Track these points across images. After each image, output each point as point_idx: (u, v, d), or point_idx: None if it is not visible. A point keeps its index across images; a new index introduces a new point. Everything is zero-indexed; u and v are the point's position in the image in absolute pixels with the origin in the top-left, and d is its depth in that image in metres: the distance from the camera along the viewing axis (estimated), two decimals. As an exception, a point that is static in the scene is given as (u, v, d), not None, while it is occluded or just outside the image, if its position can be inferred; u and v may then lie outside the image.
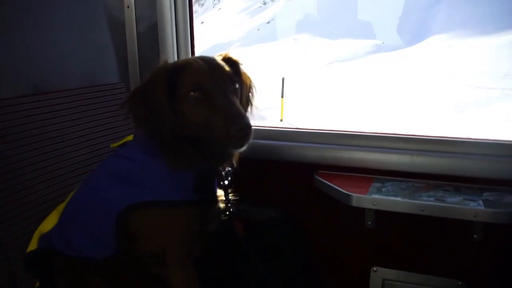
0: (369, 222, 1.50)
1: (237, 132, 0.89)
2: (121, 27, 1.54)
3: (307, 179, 1.56)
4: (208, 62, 0.99)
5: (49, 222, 1.06)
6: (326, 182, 1.48)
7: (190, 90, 0.93)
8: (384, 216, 1.44)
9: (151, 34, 1.55)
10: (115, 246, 0.99)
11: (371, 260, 1.57)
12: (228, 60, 1.05)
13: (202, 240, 1.10)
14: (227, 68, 0.99)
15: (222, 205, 1.11)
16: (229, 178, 1.11)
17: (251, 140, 0.93)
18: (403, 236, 1.55)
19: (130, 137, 1.07)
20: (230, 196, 1.13)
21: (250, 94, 1.10)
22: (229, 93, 0.96)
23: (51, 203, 1.12)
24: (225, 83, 0.97)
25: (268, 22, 28.72)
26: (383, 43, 23.61)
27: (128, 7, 1.53)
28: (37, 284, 1.04)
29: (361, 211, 1.47)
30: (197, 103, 0.93)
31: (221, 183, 1.10)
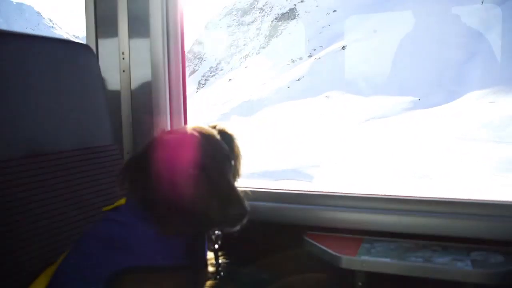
0: (360, 283, 1.50)
1: (236, 216, 0.97)
2: (116, 90, 1.72)
3: (296, 240, 1.60)
4: (209, 140, 1.04)
5: (38, 285, 1.08)
6: (316, 243, 1.53)
7: (191, 168, 0.98)
8: (375, 277, 1.46)
9: (146, 98, 1.73)
10: None
11: None
12: (223, 133, 1.11)
13: None
14: (226, 148, 1.06)
15: (212, 269, 1.14)
16: (219, 242, 1.14)
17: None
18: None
19: (122, 201, 1.10)
20: (221, 260, 1.16)
21: (239, 166, 1.18)
22: (228, 173, 1.03)
23: (41, 265, 1.15)
24: (225, 164, 1.03)
25: (298, 80, 29.73)
26: (419, 100, 23.61)
27: (123, 71, 1.73)
28: None
29: (351, 272, 1.48)
30: (196, 182, 0.98)
31: (212, 247, 1.14)
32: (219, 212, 0.97)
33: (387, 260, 1.39)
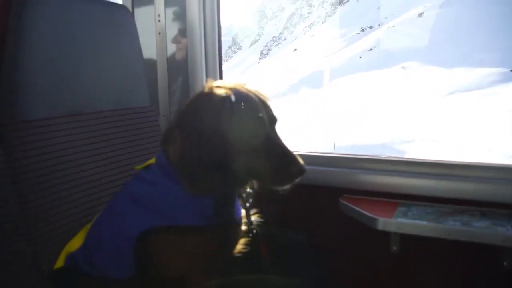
0: (395, 247, 1.54)
1: (297, 174, 1.00)
2: (152, 53, 1.85)
3: (332, 203, 1.66)
4: (261, 99, 1.07)
5: (76, 242, 1.16)
6: (352, 206, 1.57)
7: (246, 126, 0.99)
8: (410, 241, 1.49)
9: (181, 60, 1.85)
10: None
11: (396, 286, 1.61)
12: (258, 93, 1.12)
13: (224, 264, 1.16)
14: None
15: (244, 227, 1.17)
16: (250, 200, 1.18)
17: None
18: (429, 262, 1.56)
19: (153, 160, 1.14)
20: (255, 218, 1.21)
21: None
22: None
23: (82, 221, 1.25)
24: (275, 123, 1.08)
25: (371, 49, 28.60)
26: (511, 71, 21.67)
27: (159, 33, 1.85)
28: None
29: (386, 236, 1.52)
30: (254, 140, 1.00)
31: (243, 205, 1.17)
32: (278, 171, 1.00)
33: (424, 222, 1.41)
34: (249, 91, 1.08)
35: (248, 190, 1.17)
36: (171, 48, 1.89)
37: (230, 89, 1.04)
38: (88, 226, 1.18)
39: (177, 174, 1.02)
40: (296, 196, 1.73)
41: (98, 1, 1.42)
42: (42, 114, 1.20)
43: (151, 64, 1.88)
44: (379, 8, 39.00)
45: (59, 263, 1.15)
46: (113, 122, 1.45)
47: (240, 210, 1.18)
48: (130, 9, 1.86)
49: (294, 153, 1.02)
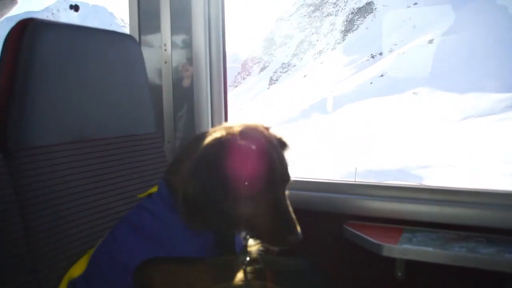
0: (399, 274, 1.53)
1: (291, 244, 1.02)
2: (158, 80, 1.92)
3: (336, 229, 1.66)
4: (277, 151, 1.05)
5: (78, 268, 1.17)
6: (356, 232, 1.58)
7: (259, 183, 0.98)
8: (415, 267, 1.49)
9: (187, 89, 1.91)
10: None
11: None
12: (279, 141, 1.12)
13: None
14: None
15: (245, 258, 1.16)
16: (248, 238, 1.16)
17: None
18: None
19: (155, 189, 1.15)
20: (256, 247, 1.20)
21: None
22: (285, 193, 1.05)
23: (85, 246, 1.26)
24: (287, 182, 1.06)
25: (382, 76, 28.90)
26: (525, 97, 21.59)
27: (165, 62, 1.92)
28: None
29: (391, 262, 1.52)
30: (256, 197, 0.99)
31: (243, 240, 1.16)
32: (275, 233, 1.02)
33: (429, 249, 1.41)
34: (271, 136, 1.08)
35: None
36: (177, 76, 1.95)
37: (252, 136, 1.03)
38: (91, 252, 1.19)
39: (179, 207, 1.03)
40: (299, 223, 1.76)
41: (106, 31, 1.48)
42: (49, 140, 1.24)
43: (157, 92, 1.94)
44: (388, 35, 39.66)
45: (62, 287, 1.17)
46: (118, 149, 1.48)
47: (240, 241, 1.18)
48: (137, 38, 1.94)
49: (294, 219, 1.04)
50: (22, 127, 1.19)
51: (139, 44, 1.65)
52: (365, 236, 1.53)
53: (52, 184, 1.23)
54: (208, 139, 1.04)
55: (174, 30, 1.94)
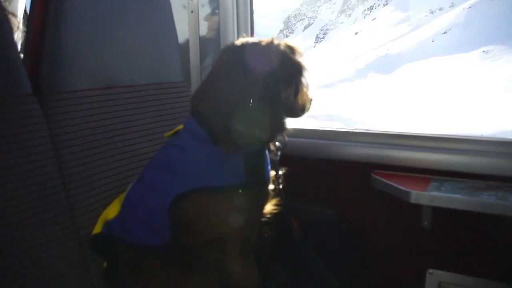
0: (426, 223, 1.60)
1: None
2: (184, 30, 2.00)
3: (362, 178, 1.74)
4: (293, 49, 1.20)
5: (112, 210, 1.25)
6: (384, 180, 1.64)
7: (299, 75, 1.18)
8: (442, 216, 1.55)
9: (213, 40, 1.99)
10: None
11: (427, 262, 1.65)
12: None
13: (258, 226, 1.24)
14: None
15: (273, 187, 1.27)
16: (279, 153, 1.32)
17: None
18: (461, 237, 1.61)
19: (181, 126, 1.22)
20: (281, 172, 1.32)
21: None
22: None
23: (117, 190, 1.36)
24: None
25: (445, 33, 27.22)
26: None
27: (192, 11, 2.01)
28: (105, 264, 1.27)
29: (417, 211, 1.59)
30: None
31: (273, 158, 1.28)
32: (303, 106, 1.24)
33: (458, 196, 1.45)
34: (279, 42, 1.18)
35: (277, 144, 1.30)
36: (203, 26, 2.03)
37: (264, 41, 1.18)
38: (123, 195, 1.27)
39: (208, 134, 1.11)
40: (325, 172, 1.84)
41: None
42: (80, 85, 1.36)
43: (183, 42, 2.03)
44: (449, -13, 37.03)
45: (97, 229, 1.26)
46: (146, 96, 1.58)
47: (269, 170, 1.25)
48: None
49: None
50: (55, 72, 1.30)
51: None
52: (393, 184, 1.58)
53: (84, 128, 1.35)
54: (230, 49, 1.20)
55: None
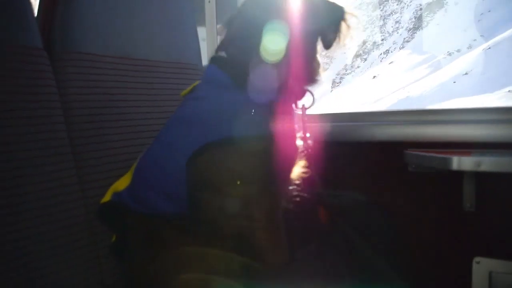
0: (468, 205, 1.45)
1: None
2: (203, 19, 2.01)
3: (395, 160, 1.62)
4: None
5: (123, 182, 1.17)
6: (419, 153, 1.51)
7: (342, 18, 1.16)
8: (485, 197, 1.42)
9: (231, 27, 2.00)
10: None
11: (472, 250, 1.48)
12: None
13: (287, 189, 1.15)
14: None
15: (302, 143, 1.20)
16: (305, 116, 1.22)
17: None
18: (510, 220, 1.44)
19: (197, 82, 1.16)
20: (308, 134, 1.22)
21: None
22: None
23: (127, 163, 1.33)
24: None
25: (466, 74, 27.56)
26: None
27: (209, 1, 2.03)
28: (114, 237, 1.19)
29: (458, 190, 1.47)
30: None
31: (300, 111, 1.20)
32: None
33: (507, 158, 1.30)
34: None
35: (305, 105, 1.21)
36: (220, 17, 2.04)
37: None
38: (134, 165, 1.19)
39: (233, 77, 1.05)
40: (354, 155, 1.74)
41: None
42: (94, 49, 1.34)
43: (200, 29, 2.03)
44: (465, 30, 37.98)
45: (106, 198, 1.18)
46: (162, 73, 1.56)
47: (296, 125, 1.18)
48: None
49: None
50: (67, 31, 1.29)
51: None
52: (429, 154, 1.45)
53: (95, 92, 1.32)
54: None
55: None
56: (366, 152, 1.72)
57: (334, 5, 1.16)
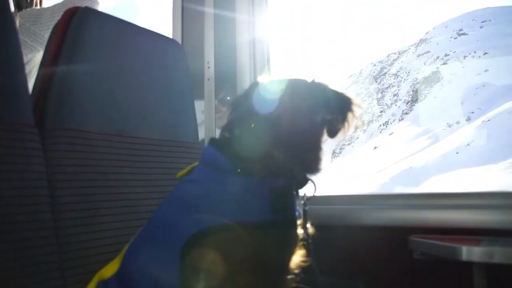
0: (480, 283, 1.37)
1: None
2: (201, 96, 2.04)
3: (399, 245, 1.56)
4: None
5: (110, 269, 1.10)
6: (426, 240, 1.47)
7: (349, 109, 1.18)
8: (498, 274, 1.36)
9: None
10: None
11: None
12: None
13: (285, 279, 1.10)
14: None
15: (301, 232, 1.15)
16: (306, 206, 1.19)
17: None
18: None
19: (195, 164, 1.14)
20: (309, 225, 1.18)
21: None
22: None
23: (117, 246, 1.23)
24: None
25: (468, 144, 28.10)
26: None
27: (208, 79, 2.06)
28: None
29: (467, 283, 1.38)
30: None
31: (300, 208, 1.16)
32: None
33: None
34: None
35: (306, 194, 1.19)
36: (219, 95, 2.07)
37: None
38: (125, 249, 1.12)
39: (232, 160, 1.03)
40: (357, 240, 1.67)
41: (153, 32, 1.59)
42: (88, 127, 1.32)
43: (199, 107, 2.04)
44: (462, 103, 39.42)
45: (90, 287, 1.10)
46: (157, 151, 1.54)
47: (297, 212, 1.14)
48: None
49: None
50: (61, 109, 1.28)
51: (182, 48, 1.75)
52: (436, 242, 1.41)
53: (85, 171, 1.28)
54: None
55: (218, 48, 2.09)
56: (369, 236, 1.66)
57: (343, 96, 1.18)
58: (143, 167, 1.47)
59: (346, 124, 1.18)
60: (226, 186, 1.02)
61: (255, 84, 1.21)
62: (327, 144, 1.18)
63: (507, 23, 50.66)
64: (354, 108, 1.19)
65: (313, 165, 1.15)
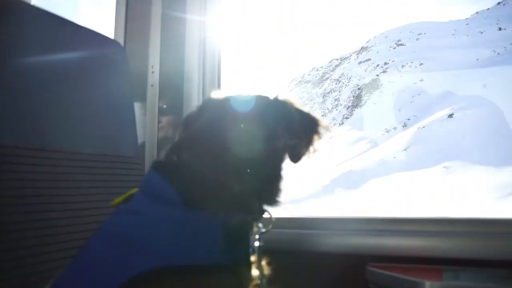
0: None
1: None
2: (143, 105, 1.86)
3: (355, 273, 1.48)
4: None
5: None
6: (384, 272, 1.39)
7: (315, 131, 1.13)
8: None
9: (175, 117, 1.84)
10: None
11: None
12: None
13: None
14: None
15: (256, 272, 1.04)
16: (261, 241, 1.07)
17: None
18: None
19: (134, 190, 1.01)
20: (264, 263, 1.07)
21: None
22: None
23: (47, 274, 1.14)
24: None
25: (405, 150, 29.69)
26: None
27: (152, 85, 1.87)
28: None
29: None
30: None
31: (254, 245, 1.05)
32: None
33: (489, 284, 1.23)
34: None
35: (261, 228, 1.08)
36: (163, 102, 1.88)
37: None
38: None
39: (181, 192, 0.91)
40: (310, 266, 1.55)
41: (91, 31, 1.42)
42: (13, 141, 1.16)
43: (142, 117, 1.86)
44: (399, 110, 41.82)
45: None
46: (91, 167, 1.38)
47: (252, 251, 1.04)
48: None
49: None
50: None
51: (124, 49, 1.58)
52: (396, 275, 1.33)
53: (12, 187, 1.13)
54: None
55: (163, 52, 1.91)
56: (325, 263, 1.56)
57: (309, 117, 1.11)
58: (74, 184, 1.30)
59: (311, 147, 1.11)
60: (170, 221, 0.90)
61: (208, 101, 1.11)
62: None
63: (438, 37, 54.51)
64: (320, 130, 1.12)
65: (271, 197, 1.05)
